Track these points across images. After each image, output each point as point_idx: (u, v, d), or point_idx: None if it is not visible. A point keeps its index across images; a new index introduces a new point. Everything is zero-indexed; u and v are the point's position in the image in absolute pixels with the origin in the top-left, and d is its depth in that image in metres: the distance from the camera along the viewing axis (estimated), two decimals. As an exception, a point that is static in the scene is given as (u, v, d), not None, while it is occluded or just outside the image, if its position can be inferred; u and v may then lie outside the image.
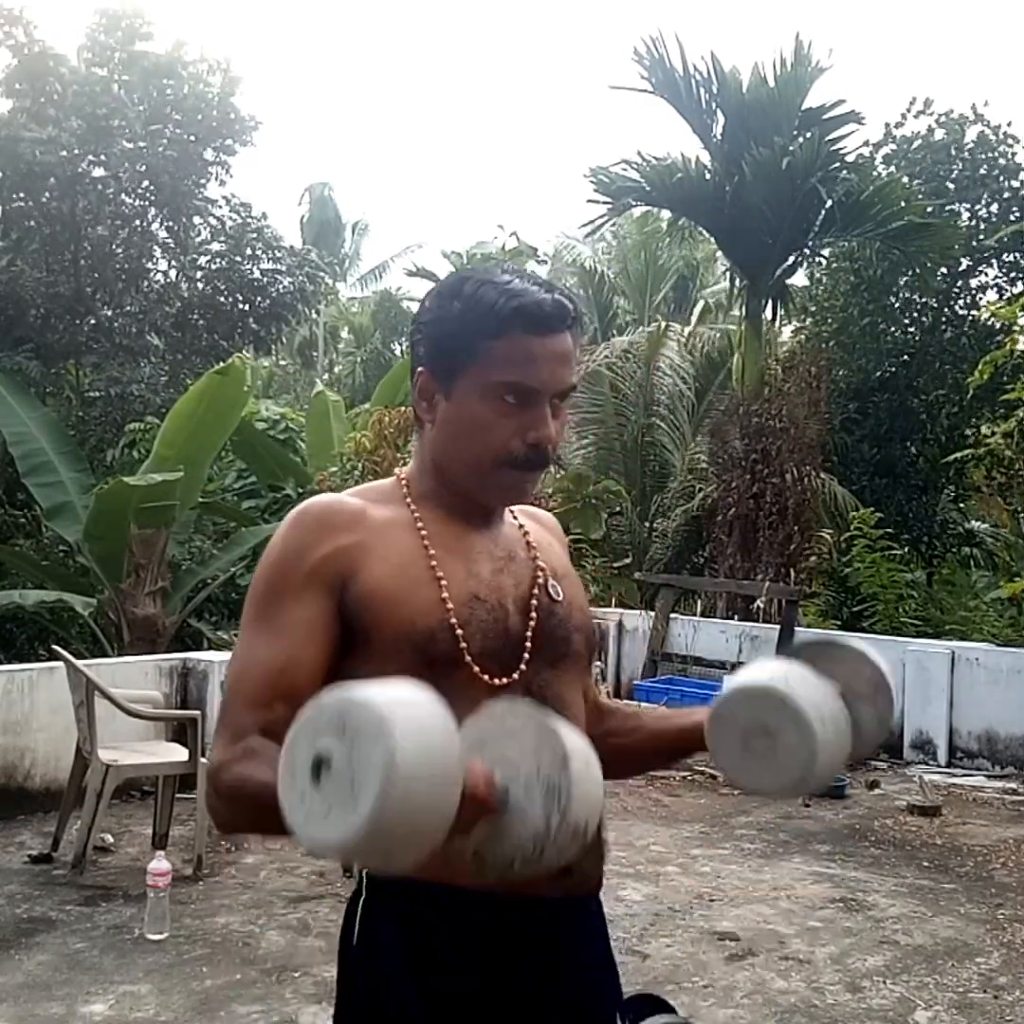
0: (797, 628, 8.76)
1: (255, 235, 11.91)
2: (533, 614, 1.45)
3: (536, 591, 1.47)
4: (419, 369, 1.45)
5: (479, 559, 1.45)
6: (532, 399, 1.39)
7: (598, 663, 8.50)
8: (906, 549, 11.66)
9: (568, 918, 1.43)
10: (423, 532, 1.43)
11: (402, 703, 1.08)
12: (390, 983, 1.37)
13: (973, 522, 14.50)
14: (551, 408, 1.41)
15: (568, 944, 1.42)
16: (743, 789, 1.46)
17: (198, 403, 8.36)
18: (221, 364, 9.29)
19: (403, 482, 1.49)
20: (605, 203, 11.53)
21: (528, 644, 1.42)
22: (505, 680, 1.39)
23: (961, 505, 14.13)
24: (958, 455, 11.35)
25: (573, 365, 1.43)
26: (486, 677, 1.37)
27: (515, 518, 1.55)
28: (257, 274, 11.89)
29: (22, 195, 10.83)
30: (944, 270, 12.49)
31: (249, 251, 11.86)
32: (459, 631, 1.37)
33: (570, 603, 1.50)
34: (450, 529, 1.45)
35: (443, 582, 1.39)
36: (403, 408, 9.92)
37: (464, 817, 1.10)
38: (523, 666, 1.41)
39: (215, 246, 12.05)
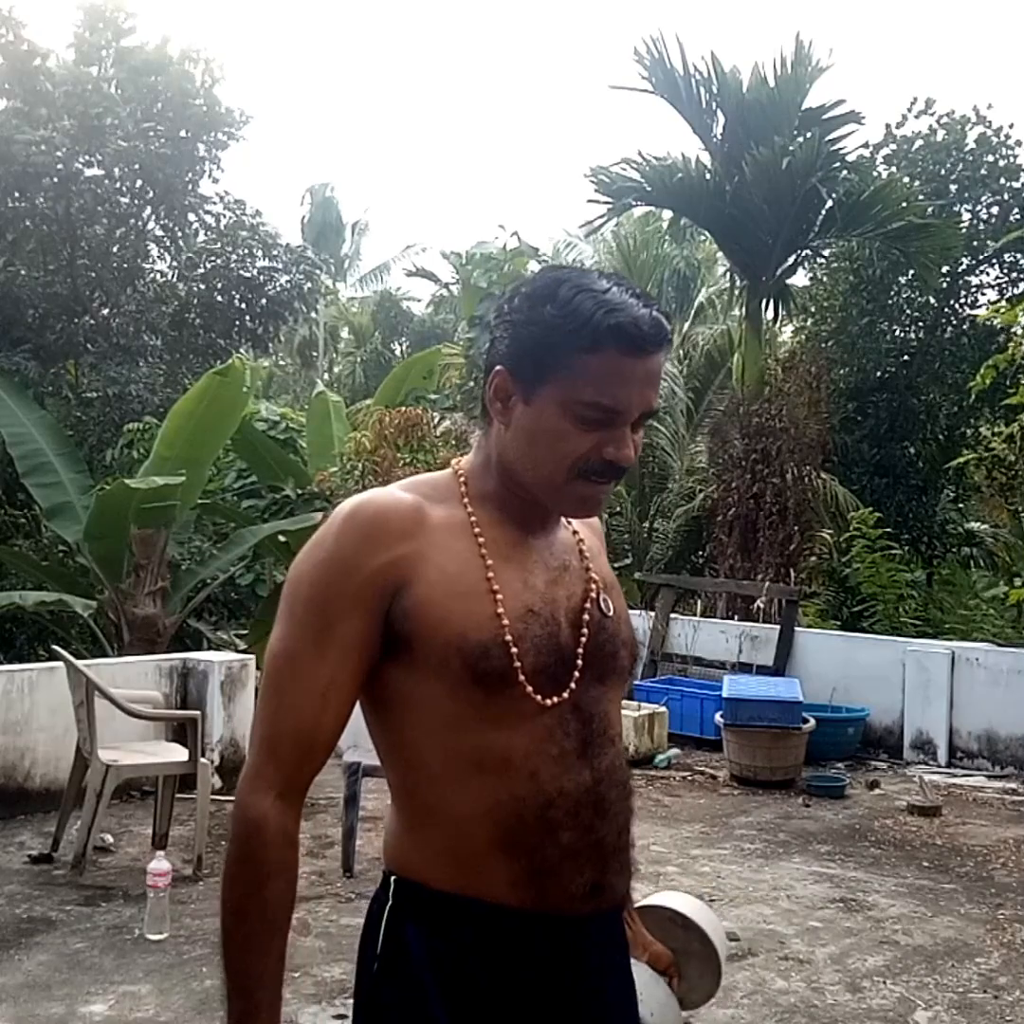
0: (797, 628, 8.77)
1: (249, 232, 11.89)
2: (584, 629, 1.40)
3: (588, 605, 1.42)
4: (497, 367, 1.38)
5: (534, 569, 1.40)
6: (616, 420, 1.34)
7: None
8: (906, 549, 11.66)
9: (596, 933, 1.41)
10: (480, 539, 1.38)
11: None
12: (415, 992, 1.35)
13: (973, 522, 14.50)
14: (632, 426, 1.36)
15: (594, 958, 1.41)
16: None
17: (198, 403, 8.36)
18: (220, 364, 9.29)
19: (461, 479, 1.43)
20: (605, 203, 11.53)
21: (579, 661, 1.38)
22: (555, 699, 1.35)
23: (961, 505, 14.13)
24: (959, 461, 11.35)
25: (659, 385, 1.38)
26: (538, 696, 1.33)
27: (569, 523, 1.49)
28: (253, 272, 11.87)
29: (17, 196, 10.82)
30: (944, 270, 12.49)
31: (244, 249, 11.84)
32: (513, 649, 1.32)
33: (618, 616, 1.46)
34: (506, 534, 1.40)
35: (498, 596, 1.34)
36: (404, 408, 9.92)
37: None
38: (573, 684, 1.37)
39: (210, 244, 12.02)
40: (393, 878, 1.39)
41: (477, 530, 1.38)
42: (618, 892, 1.43)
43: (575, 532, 1.50)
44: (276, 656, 1.35)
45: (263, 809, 1.31)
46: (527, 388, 1.35)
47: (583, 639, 1.39)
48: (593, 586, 1.44)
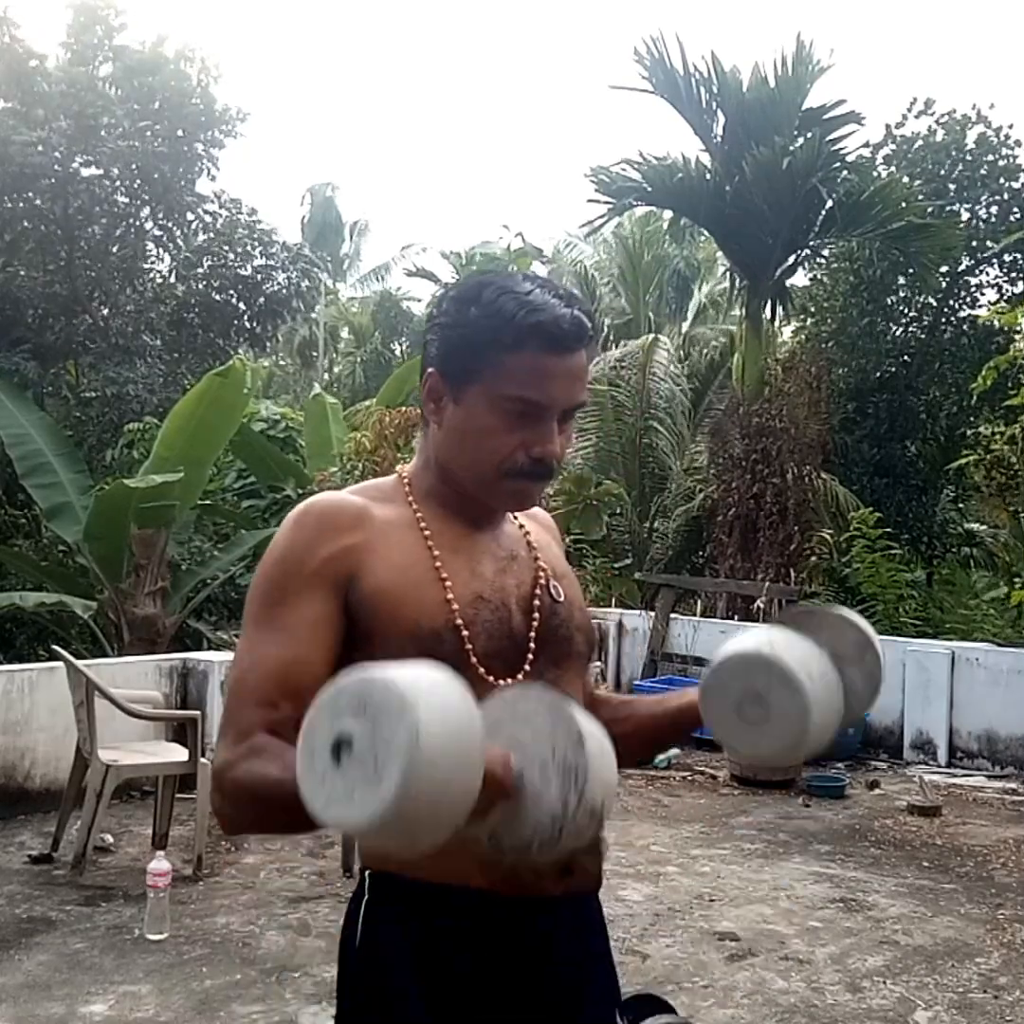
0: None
1: (246, 231, 11.88)
2: (535, 614, 1.45)
3: (538, 591, 1.47)
4: (429, 369, 1.44)
5: (482, 559, 1.45)
6: (541, 415, 1.39)
7: (598, 663, 8.50)
8: (906, 549, 11.65)
9: (569, 916, 1.43)
10: (426, 532, 1.42)
11: (423, 682, 1.08)
12: (392, 983, 1.37)
13: (973, 522, 14.50)
14: (558, 423, 1.41)
15: (568, 941, 1.43)
16: (743, 757, 1.47)
17: (198, 404, 8.35)
18: (219, 363, 9.29)
19: (405, 481, 1.48)
20: (606, 203, 11.54)
21: (532, 644, 1.43)
22: (509, 680, 1.39)
23: (961, 505, 14.13)
24: (960, 462, 11.35)
25: (585, 381, 1.43)
26: (491, 678, 1.37)
27: (515, 518, 1.55)
28: (250, 271, 11.86)
29: (14, 197, 10.82)
30: (944, 270, 12.50)
31: (241, 247, 11.83)
32: (465, 632, 1.37)
33: (571, 603, 1.51)
34: (453, 528, 1.45)
35: (447, 583, 1.39)
36: (404, 408, 9.92)
37: (482, 800, 1.10)
38: (527, 666, 1.41)
39: (207, 242, 12.01)
40: (367, 872, 1.42)
41: (423, 525, 1.43)
42: (590, 873, 1.45)
43: (521, 525, 1.54)
44: (239, 651, 1.39)
45: (222, 757, 1.31)
46: (456, 388, 1.41)
47: (534, 624, 1.44)
48: (542, 574, 1.49)
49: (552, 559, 1.54)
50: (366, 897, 1.41)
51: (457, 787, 1.07)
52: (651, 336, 14.33)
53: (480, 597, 1.40)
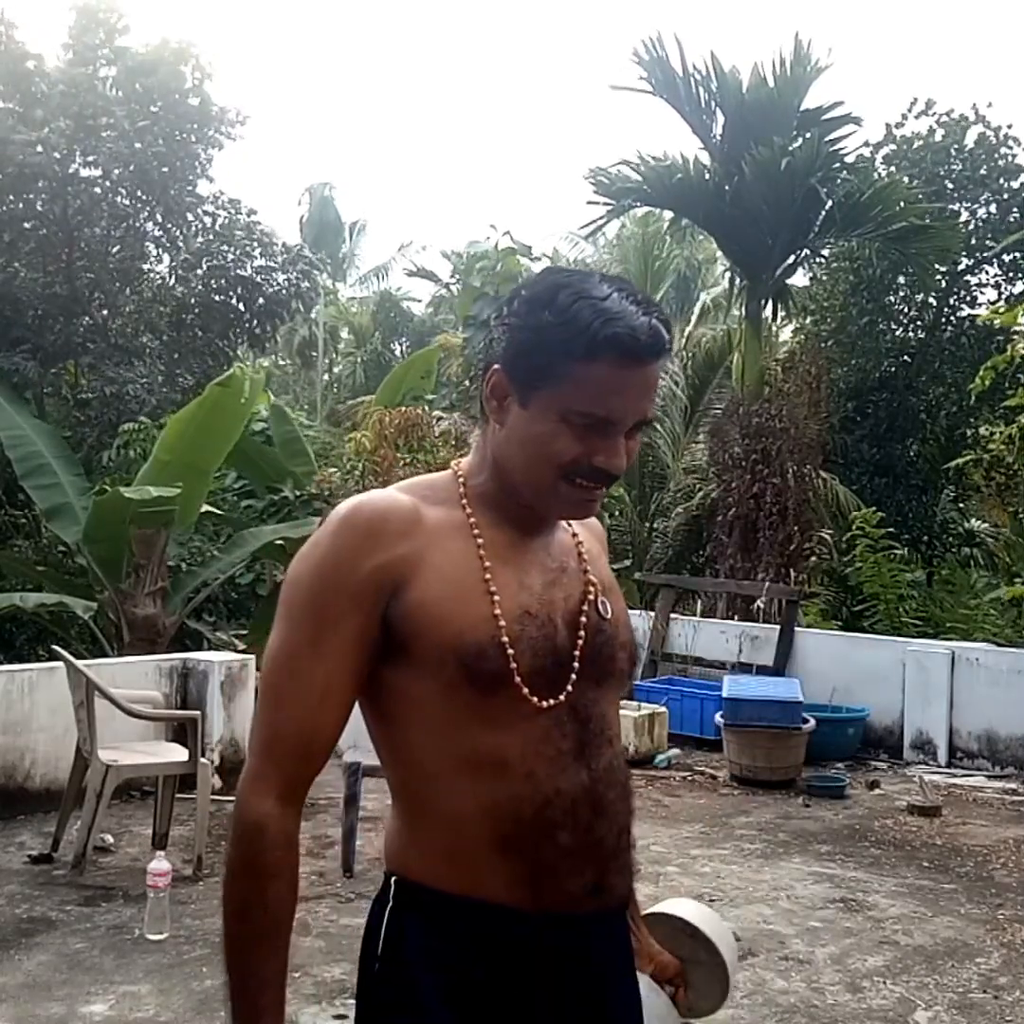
0: (797, 628, 8.77)
1: (244, 231, 11.88)
2: (581, 631, 1.40)
3: (586, 607, 1.42)
4: (495, 366, 1.38)
5: (531, 570, 1.40)
6: (609, 430, 1.34)
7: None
8: (906, 549, 11.66)
9: (597, 933, 1.41)
10: (479, 540, 1.38)
11: None
12: (415, 990, 1.35)
13: (973, 522, 14.49)
14: (627, 435, 1.36)
15: (597, 958, 1.41)
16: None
17: (199, 409, 8.31)
18: (219, 365, 9.28)
19: (460, 479, 1.43)
20: (605, 204, 11.54)
21: (576, 663, 1.38)
22: (552, 701, 1.35)
23: (961, 505, 14.13)
24: (959, 461, 11.36)
25: (655, 393, 1.38)
26: (534, 698, 1.33)
27: (569, 525, 1.49)
28: (250, 271, 11.86)
29: (13, 198, 10.83)
30: (943, 269, 12.50)
31: (240, 248, 11.82)
32: (510, 650, 1.32)
33: (617, 620, 1.46)
34: (504, 534, 1.40)
35: (495, 597, 1.34)
36: (404, 408, 9.93)
37: None
38: (570, 686, 1.37)
39: (206, 243, 12.02)
40: (393, 879, 1.40)
41: (476, 531, 1.38)
42: (619, 892, 1.43)
43: (574, 534, 1.49)
44: (274, 658, 1.35)
45: (263, 811, 1.31)
46: (523, 391, 1.35)
47: (580, 641, 1.39)
48: (591, 589, 1.44)
49: (601, 572, 1.49)
50: (391, 904, 1.39)
51: None
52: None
53: (527, 612, 1.35)
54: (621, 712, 1.51)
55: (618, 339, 1.30)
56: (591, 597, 1.43)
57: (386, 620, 1.33)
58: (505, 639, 1.32)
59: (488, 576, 1.35)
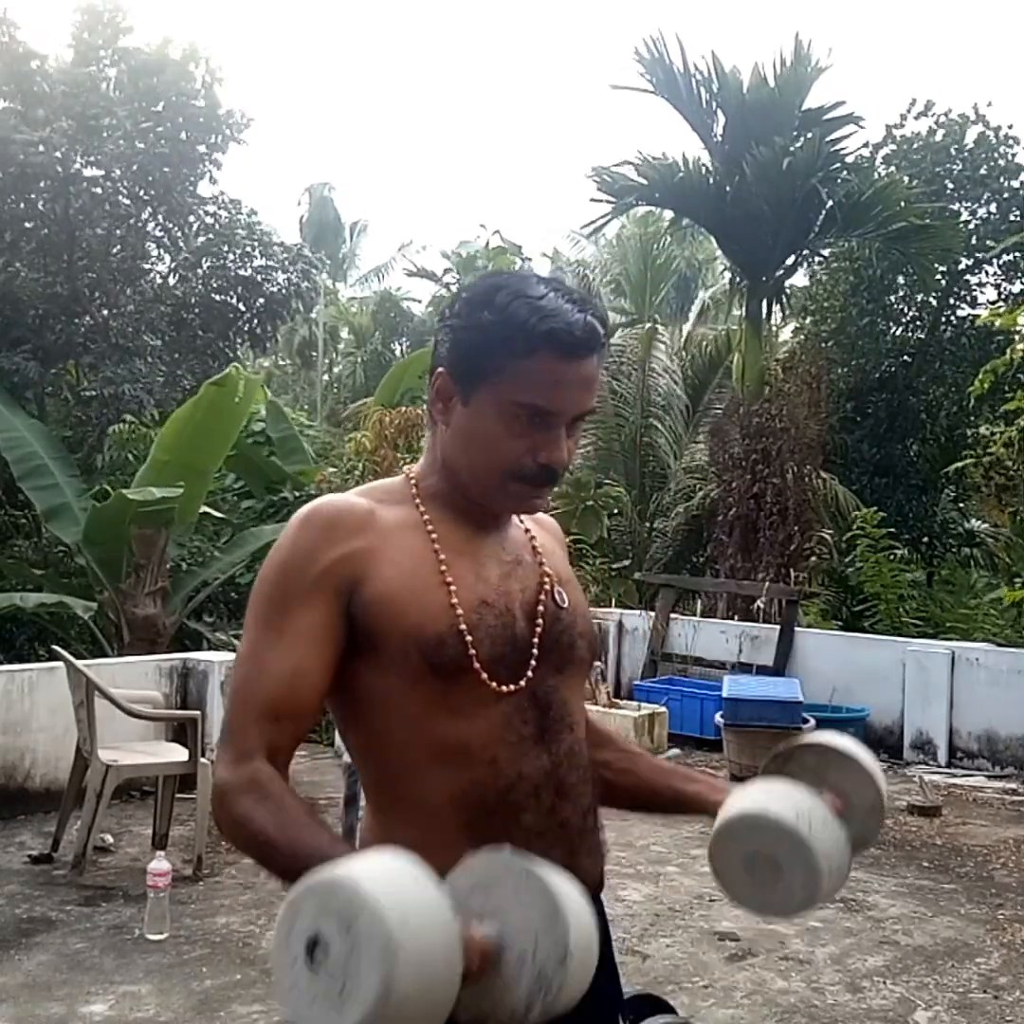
0: (797, 628, 8.77)
1: (245, 231, 11.88)
2: (539, 620, 1.44)
3: (543, 597, 1.46)
4: (439, 369, 1.43)
5: (487, 563, 1.44)
6: (549, 422, 1.38)
7: (598, 663, 8.49)
8: (906, 549, 11.66)
9: None
10: (433, 535, 1.42)
11: (412, 919, 1.06)
12: None
13: (973, 522, 14.49)
14: (567, 429, 1.41)
15: None
16: (730, 898, 1.49)
17: (195, 409, 8.31)
18: (219, 365, 9.27)
19: (412, 481, 1.48)
20: (607, 203, 11.54)
21: (535, 650, 1.42)
22: (512, 686, 1.39)
23: (961, 505, 14.13)
24: (959, 465, 11.36)
25: (595, 388, 1.42)
26: (494, 684, 1.37)
27: (521, 522, 1.54)
28: (250, 271, 11.86)
29: (15, 197, 10.83)
30: (943, 269, 12.51)
31: (240, 248, 11.83)
32: (468, 637, 1.36)
33: (574, 609, 1.50)
34: (459, 531, 1.44)
35: (452, 587, 1.38)
36: (404, 408, 9.93)
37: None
38: (530, 672, 1.41)
39: (206, 243, 12.02)
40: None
41: (430, 527, 1.43)
42: (590, 875, 1.45)
43: (527, 530, 1.54)
44: (241, 655, 1.39)
45: (223, 777, 1.33)
46: (466, 390, 1.40)
47: (538, 629, 1.43)
48: (547, 579, 1.49)
49: (557, 564, 1.53)
50: None
51: (428, 1013, 1.08)
52: (651, 325, 14.33)
53: (484, 602, 1.39)
54: (583, 701, 1.54)
55: (554, 334, 1.35)
56: (548, 587, 1.48)
57: (351, 615, 1.36)
58: (463, 627, 1.36)
59: (444, 568, 1.39)
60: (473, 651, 1.36)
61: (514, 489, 1.41)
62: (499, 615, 1.40)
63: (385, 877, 1.09)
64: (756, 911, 1.48)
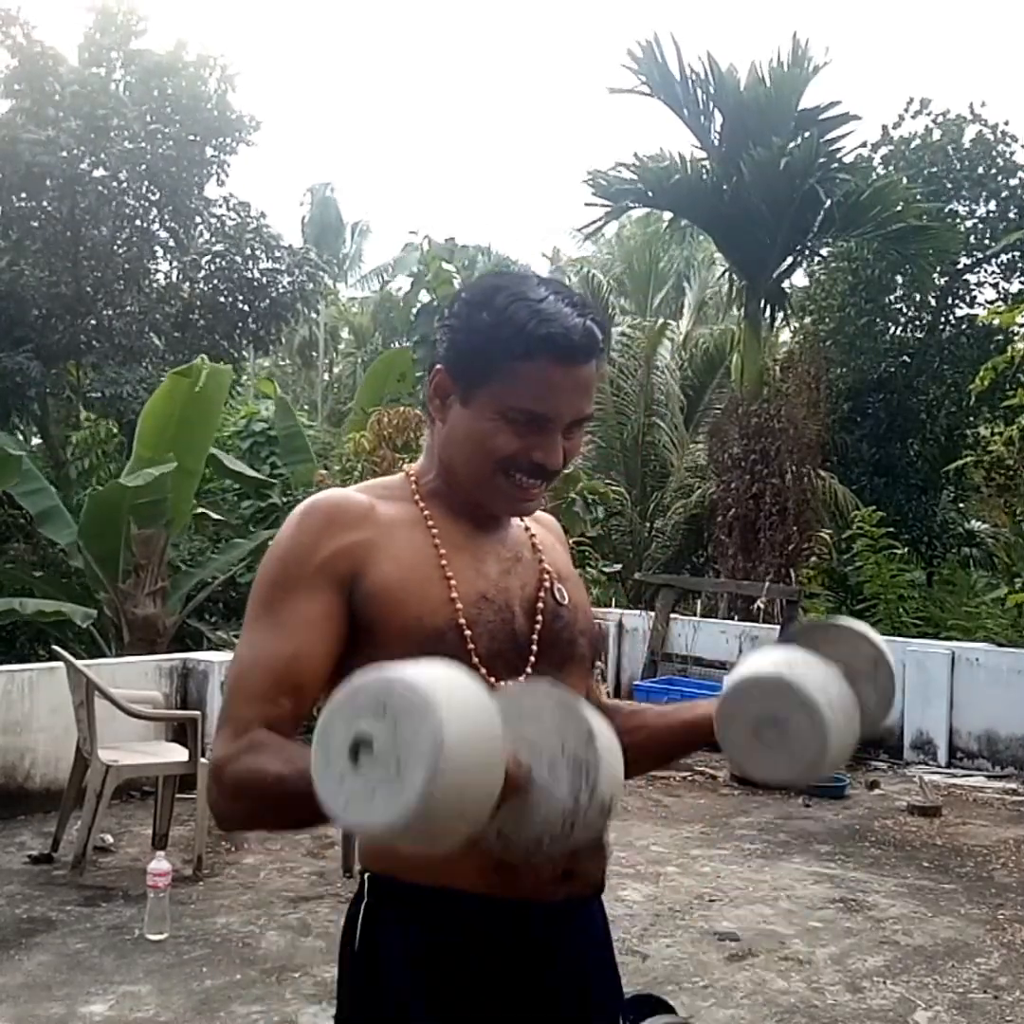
0: (797, 628, 8.77)
1: (254, 234, 11.91)
2: (539, 617, 1.44)
3: (542, 594, 1.46)
4: (437, 366, 1.43)
5: (487, 559, 1.44)
6: (545, 426, 1.38)
7: (598, 663, 8.49)
8: (906, 549, 11.66)
9: (571, 920, 1.42)
10: (433, 530, 1.42)
11: (443, 682, 1.07)
12: (393, 987, 1.36)
13: (973, 522, 14.49)
14: (565, 433, 1.40)
15: (571, 946, 1.41)
16: (757, 781, 1.46)
17: (171, 403, 8.29)
18: (223, 365, 9.26)
19: (412, 479, 1.48)
20: (603, 206, 11.54)
21: (534, 647, 1.42)
22: (510, 682, 1.38)
23: (961, 505, 14.13)
24: (959, 463, 11.37)
25: (593, 393, 1.42)
26: (493, 679, 1.36)
27: (521, 520, 1.54)
28: (256, 274, 11.89)
29: (22, 196, 10.84)
30: (941, 266, 12.50)
31: (248, 251, 11.86)
32: (467, 632, 1.36)
33: (575, 606, 1.50)
34: (459, 527, 1.44)
35: (452, 581, 1.38)
36: (402, 408, 9.91)
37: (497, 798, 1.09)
38: (529, 669, 1.40)
39: (215, 246, 12.05)
40: (367, 875, 1.41)
41: (430, 523, 1.43)
42: (592, 878, 1.44)
43: (527, 528, 1.54)
44: (240, 645, 1.38)
45: (219, 753, 1.30)
46: (464, 390, 1.40)
47: (538, 626, 1.43)
48: (547, 576, 1.48)
49: (557, 562, 1.53)
50: (366, 900, 1.40)
51: (479, 789, 1.07)
52: (660, 320, 14.32)
53: (484, 597, 1.39)
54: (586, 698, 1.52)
55: (553, 339, 1.34)
56: (547, 584, 1.48)
57: (351, 608, 1.36)
58: (462, 621, 1.36)
59: (443, 562, 1.39)
60: (471, 645, 1.36)
61: (506, 487, 1.41)
62: (498, 611, 1.40)
63: (431, 674, 1.09)
64: (784, 778, 1.42)
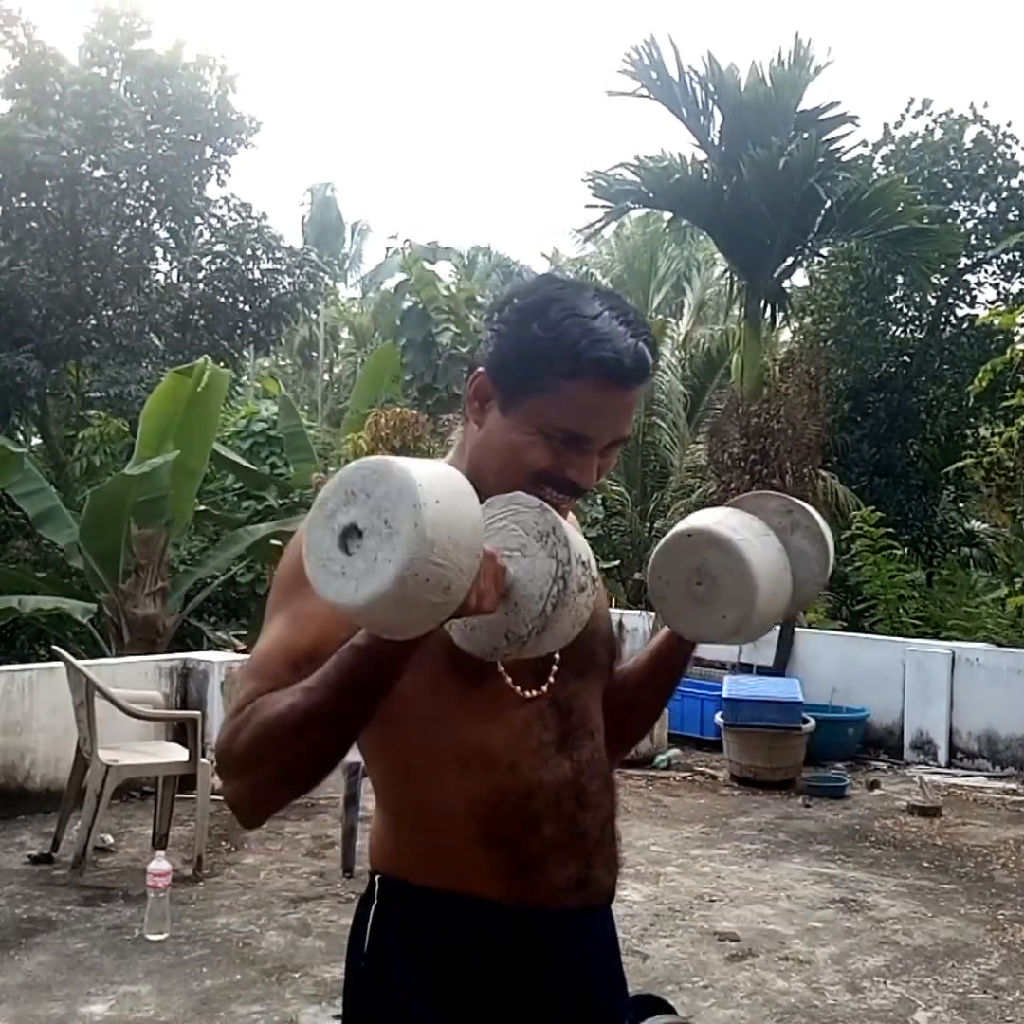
0: (798, 628, 8.77)
1: (255, 235, 11.92)
2: None
3: None
4: (480, 369, 1.39)
5: None
6: (584, 447, 1.35)
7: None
8: (906, 549, 11.66)
9: (581, 928, 1.42)
10: None
11: (417, 463, 1.13)
12: (401, 990, 1.36)
13: (973, 522, 14.48)
14: (601, 452, 1.38)
15: (574, 948, 1.41)
16: (697, 638, 1.50)
17: (173, 403, 8.29)
18: (223, 366, 9.27)
19: None
20: (603, 206, 11.53)
21: (557, 655, 1.38)
22: (534, 692, 1.36)
23: (961, 505, 14.12)
24: (959, 465, 11.36)
25: (634, 413, 1.40)
26: (518, 688, 1.35)
27: None
28: (257, 274, 11.90)
29: (23, 196, 10.85)
30: (941, 267, 12.49)
31: (249, 251, 11.87)
32: None
33: (596, 614, 1.45)
34: None
35: None
36: (400, 409, 9.91)
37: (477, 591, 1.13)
38: (552, 678, 1.38)
39: (215, 246, 12.06)
40: (378, 877, 1.40)
41: None
42: (605, 887, 1.44)
43: None
44: (259, 641, 1.34)
45: (228, 724, 1.26)
46: (505, 399, 1.36)
47: None
48: None
49: None
50: (375, 902, 1.39)
51: (466, 519, 1.12)
52: (661, 319, 14.31)
53: None
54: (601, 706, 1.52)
55: (603, 362, 1.30)
56: None
57: None
58: None
59: None
60: None
61: (535, 494, 1.37)
62: None
63: (413, 464, 1.14)
64: (732, 624, 1.44)
